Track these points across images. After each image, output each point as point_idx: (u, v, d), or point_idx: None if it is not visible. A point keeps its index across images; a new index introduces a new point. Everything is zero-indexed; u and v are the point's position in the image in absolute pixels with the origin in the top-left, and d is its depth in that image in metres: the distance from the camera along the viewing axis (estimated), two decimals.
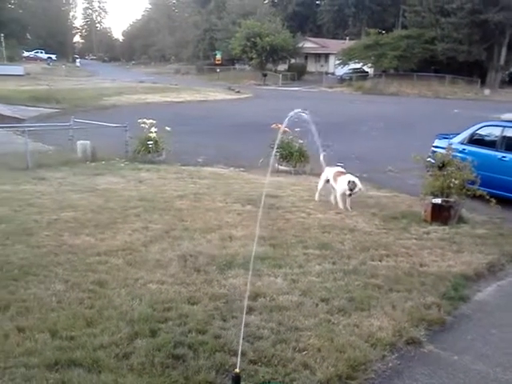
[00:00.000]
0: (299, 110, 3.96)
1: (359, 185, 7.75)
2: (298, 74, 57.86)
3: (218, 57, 63.27)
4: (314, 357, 3.65)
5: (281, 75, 54.33)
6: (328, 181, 8.29)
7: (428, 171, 7.78)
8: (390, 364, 3.74)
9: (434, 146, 10.06)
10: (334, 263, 5.43)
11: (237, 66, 65.54)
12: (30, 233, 6.12)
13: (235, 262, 5.31)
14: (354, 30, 61.73)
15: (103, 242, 5.89)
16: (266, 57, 55.89)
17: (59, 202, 7.65)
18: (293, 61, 61.92)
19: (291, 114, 3.81)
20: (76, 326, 3.93)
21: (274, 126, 11.15)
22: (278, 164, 11.26)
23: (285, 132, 11.15)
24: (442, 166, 7.40)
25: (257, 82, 53.89)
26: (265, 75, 54.92)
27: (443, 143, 9.45)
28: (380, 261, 5.59)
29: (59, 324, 3.94)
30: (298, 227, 6.71)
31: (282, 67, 60.69)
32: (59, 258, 5.29)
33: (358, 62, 51.09)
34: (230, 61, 64.51)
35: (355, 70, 51.48)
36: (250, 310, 4.28)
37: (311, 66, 64.88)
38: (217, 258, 5.42)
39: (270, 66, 59.01)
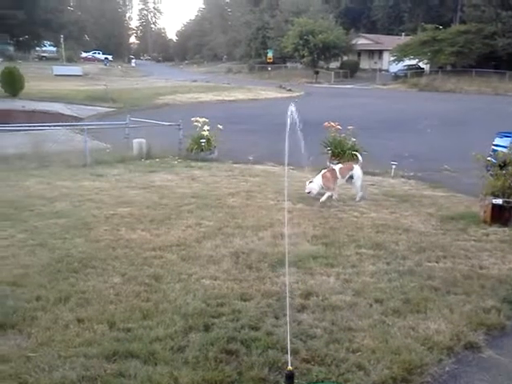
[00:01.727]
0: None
1: (309, 187, 7.90)
2: (350, 71, 57.10)
3: (270, 55, 63.35)
4: (368, 358, 3.58)
5: (333, 73, 53.81)
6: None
7: (488, 170, 7.48)
8: (447, 368, 3.62)
9: (494, 145, 9.65)
10: (388, 264, 5.31)
11: (288, 64, 65.42)
12: (89, 227, 6.35)
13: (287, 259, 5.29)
14: (410, 26, 60.09)
15: (158, 237, 6.03)
16: (318, 54, 55.48)
17: (116, 198, 7.90)
18: (345, 58, 61.15)
19: (290, 109, 3.71)
20: (133, 318, 4.04)
21: (326, 124, 11.07)
22: (330, 162, 11.14)
23: (337, 130, 11.04)
24: (503, 166, 7.10)
25: (308, 80, 53.60)
26: (317, 73, 54.52)
27: (504, 141, 9.05)
28: (437, 262, 5.42)
29: (117, 316, 4.06)
30: (351, 226, 6.61)
31: (335, 65, 60.07)
32: (117, 252, 5.46)
33: (414, 59, 49.75)
34: (282, 59, 64.47)
35: (410, 67, 50.21)
36: (303, 309, 4.26)
37: (364, 63, 63.81)
38: (269, 255, 5.43)
39: (322, 63, 58.51)
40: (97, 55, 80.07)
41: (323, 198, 7.95)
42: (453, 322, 4.11)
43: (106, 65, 69.18)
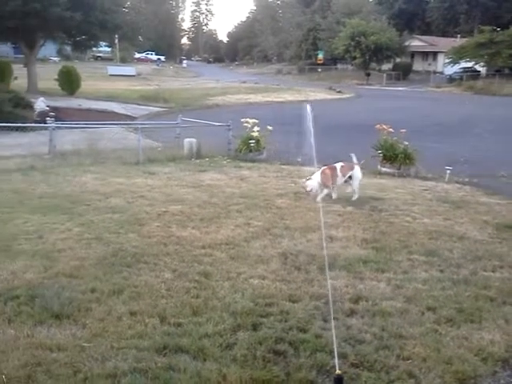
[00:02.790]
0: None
1: (309, 184, 7.76)
2: (403, 73, 55.98)
3: (320, 57, 63.03)
4: (419, 366, 3.49)
5: (385, 74, 52.91)
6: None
7: None
8: (502, 381, 3.48)
9: None
10: (441, 271, 5.16)
11: (339, 65, 64.83)
12: (142, 223, 6.51)
13: (336, 262, 5.24)
14: (466, 28, 58.37)
15: (208, 235, 6.11)
16: (370, 56, 54.68)
17: (167, 196, 8.06)
18: (398, 60, 59.96)
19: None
20: (183, 313, 4.11)
21: (378, 126, 10.88)
22: (381, 166, 10.97)
23: (389, 133, 10.84)
24: None
25: (359, 81, 52.94)
26: (368, 75, 53.78)
27: None
28: (493, 272, 5.22)
29: (168, 310, 4.14)
30: (403, 231, 6.47)
31: (387, 66, 59.03)
32: (168, 249, 5.57)
33: (470, 61, 48.18)
34: (332, 60, 63.99)
35: (466, 69, 48.65)
36: (352, 313, 4.21)
37: (418, 65, 62.37)
38: (317, 257, 5.39)
39: (373, 65, 57.64)
40: (149, 56, 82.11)
41: (319, 197, 7.77)
42: (508, 334, 3.95)
43: (158, 65, 70.83)
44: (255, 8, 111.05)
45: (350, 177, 8.10)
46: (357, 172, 8.12)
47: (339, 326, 3.93)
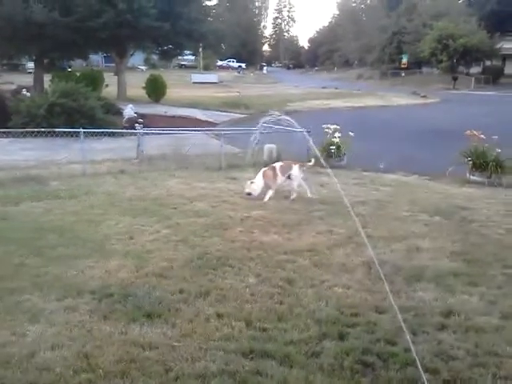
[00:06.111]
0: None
1: (250, 187, 8.10)
2: (493, 77, 52.97)
3: (404, 60, 61.30)
4: None
5: (473, 78, 50.39)
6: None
7: None
8: None
9: None
10: None
11: (424, 69, 62.64)
12: (225, 227, 6.65)
13: (424, 274, 5.05)
14: None
15: (290, 241, 6.13)
16: (458, 59, 52.33)
17: (249, 201, 8.16)
18: (488, 63, 56.87)
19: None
20: (268, 318, 4.14)
21: (468, 132, 10.38)
22: (470, 174, 10.44)
23: (479, 139, 10.31)
24: None
25: (445, 85, 50.83)
26: (455, 79, 51.46)
27: None
28: None
29: (253, 315, 4.19)
30: (496, 244, 6.11)
31: (475, 70, 56.18)
32: (251, 253, 5.65)
33: None
34: (416, 64, 61.95)
35: None
36: (442, 328, 4.03)
37: (510, 69, 58.73)
38: (403, 268, 5.22)
39: (461, 68, 55.09)
40: (231, 63, 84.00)
41: (266, 197, 8.04)
42: None
43: (239, 72, 72.23)
44: (338, 13, 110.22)
45: (289, 176, 8.33)
46: (295, 171, 8.37)
47: (430, 341, 3.79)
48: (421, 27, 57.95)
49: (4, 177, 9.44)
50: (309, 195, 8.43)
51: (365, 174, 11.26)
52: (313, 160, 8.86)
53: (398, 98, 36.80)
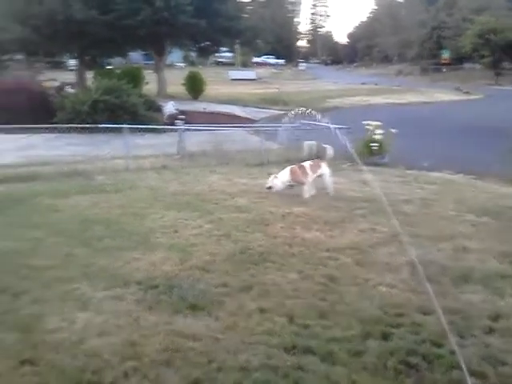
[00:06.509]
0: None
1: (272, 182, 8.10)
2: None
3: (445, 56, 59.77)
4: None
5: None
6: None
7: None
8: None
9: None
10: None
11: (465, 65, 60.93)
12: (267, 223, 6.67)
13: (471, 276, 4.93)
14: None
15: (332, 238, 6.09)
16: (501, 54, 50.61)
17: (290, 197, 8.14)
18: None
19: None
20: (310, 315, 4.13)
21: None
22: None
23: None
24: None
25: (488, 81, 49.31)
26: (498, 74, 49.84)
27: None
28: None
29: (295, 311, 4.19)
30: None
31: None
32: (293, 250, 5.65)
33: None
34: (458, 60, 60.28)
35: None
36: (490, 331, 3.93)
37: None
38: (450, 269, 5.11)
39: (505, 64, 53.28)
40: (268, 59, 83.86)
41: (306, 194, 8.09)
42: None
43: (276, 68, 72.06)
44: (376, 7, 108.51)
45: (320, 175, 8.33)
46: (324, 169, 8.39)
47: (477, 344, 3.71)
48: (461, 22, 56.42)
49: (52, 171, 9.76)
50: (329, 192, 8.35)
51: (408, 172, 11.05)
52: (330, 151, 8.98)
53: (440, 93, 35.98)
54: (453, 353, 3.61)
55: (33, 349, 3.60)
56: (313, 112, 8.71)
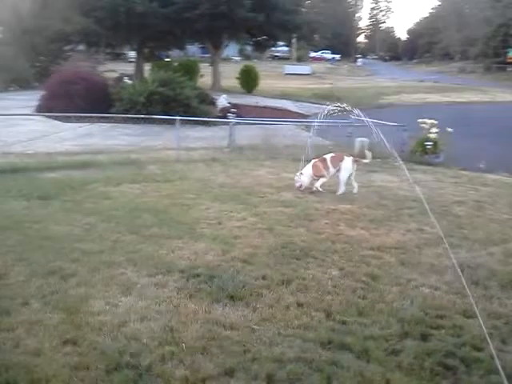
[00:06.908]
0: None
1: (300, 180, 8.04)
2: None
3: (511, 55, 56.99)
4: None
5: None
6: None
7: None
8: None
9: None
10: None
11: None
12: (311, 219, 6.65)
13: None
14: None
15: (377, 237, 6.00)
16: None
17: (336, 194, 8.08)
18: None
19: None
20: (348, 312, 4.11)
21: None
22: None
23: None
24: None
25: None
26: None
27: None
28: None
29: (333, 307, 4.18)
30: None
31: None
32: (335, 246, 5.61)
33: None
34: None
35: None
36: None
37: None
38: (499, 273, 4.94)
39: None
40: (324, 54, 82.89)
41: (318, 185, 8.05)
42: None
43: (332, 64, 71.13)
44: (439, 3, 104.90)
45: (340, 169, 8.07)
46: (346, 163, 8.08)
47: None
48: None
49: (106, 160, 10.12)
50: (355, 191, 8.13)
51: (463, 172, 10.70)
52: (369, 155, 8.53)
53: (503, 93, 34.40)
54: (493, 357, 3.50)
55: (76, 329, 3.76)
56: (354, 109, 8.49)
